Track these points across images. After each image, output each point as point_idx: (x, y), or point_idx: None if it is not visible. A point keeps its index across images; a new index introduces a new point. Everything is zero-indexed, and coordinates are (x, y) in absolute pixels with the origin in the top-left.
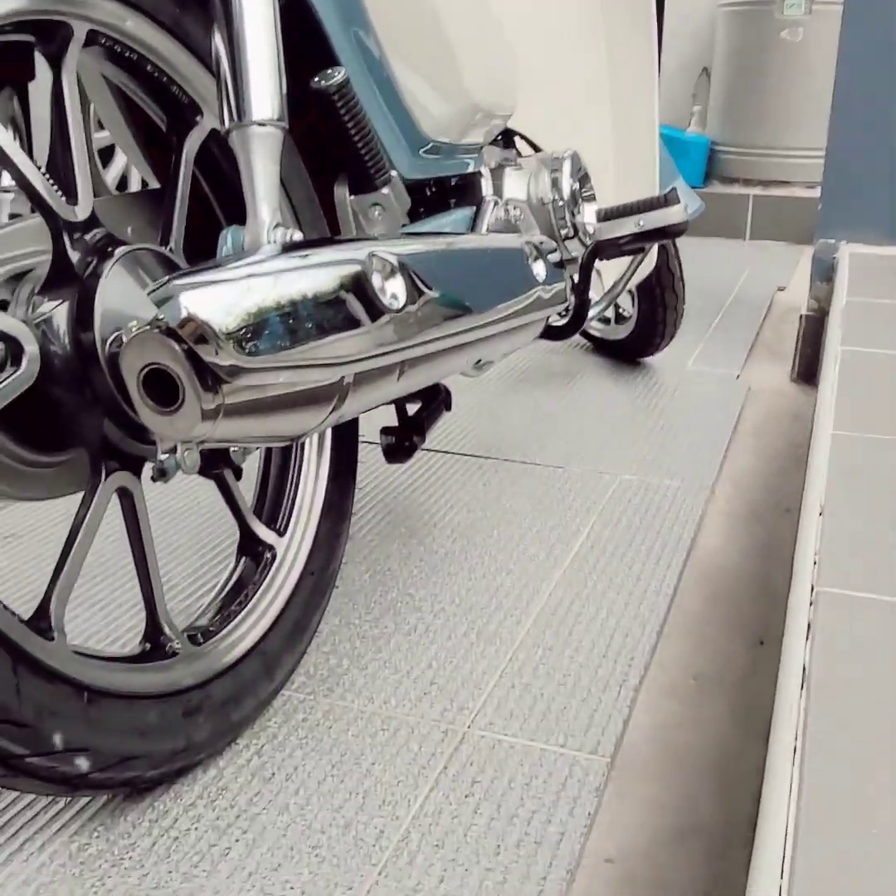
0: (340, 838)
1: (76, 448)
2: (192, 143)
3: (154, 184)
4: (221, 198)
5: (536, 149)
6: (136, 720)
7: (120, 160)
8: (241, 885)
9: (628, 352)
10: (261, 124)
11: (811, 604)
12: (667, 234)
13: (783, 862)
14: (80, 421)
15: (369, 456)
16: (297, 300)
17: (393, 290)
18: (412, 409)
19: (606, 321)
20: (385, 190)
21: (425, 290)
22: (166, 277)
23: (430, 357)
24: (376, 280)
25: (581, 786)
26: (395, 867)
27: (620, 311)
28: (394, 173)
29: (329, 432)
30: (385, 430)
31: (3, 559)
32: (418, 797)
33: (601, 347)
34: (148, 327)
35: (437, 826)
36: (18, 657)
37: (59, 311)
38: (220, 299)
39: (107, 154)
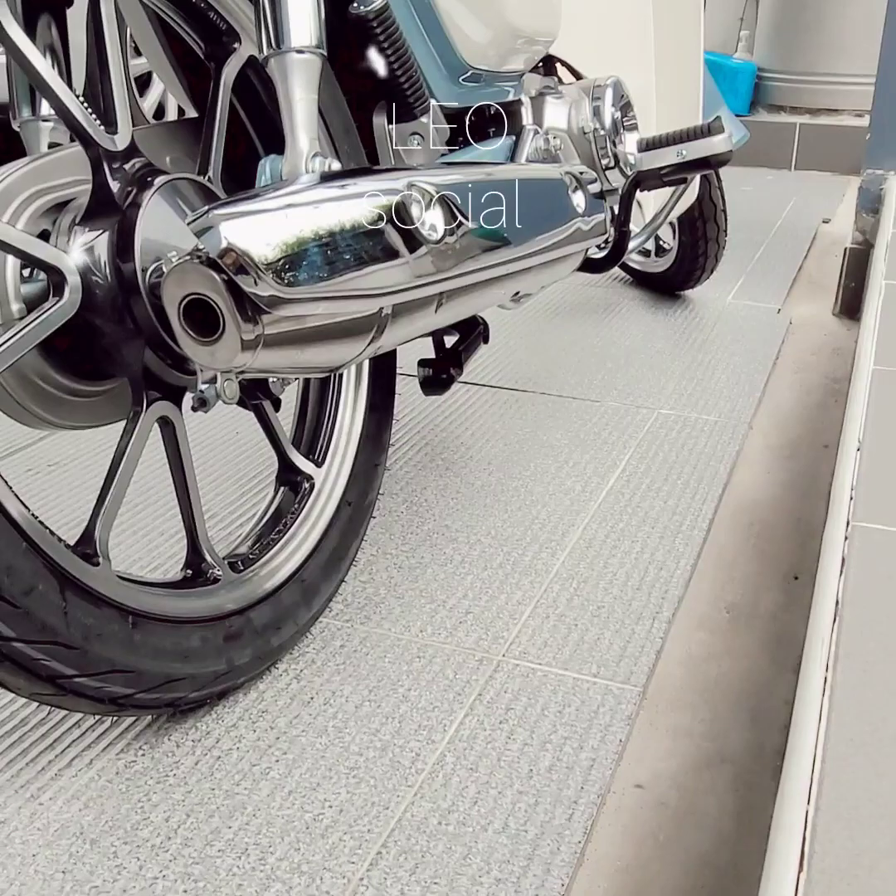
0: (377, 760)
1: (118, 377)
2: (230, 71)
3: (191, 112)
4: (259, 127)
5: (578, 76)
6: (180, 644)
7: (157, 88)
8: (281, 803)
9: (668, 285)
10: (299, 51)
11: (846, 539)
12: (710, 164)
13: (810, 791)
14: (122, 351)
15: (406, 388)
16: (336, 231)
17: (432, 221)
18: (450, 341)
19: (646, 253)
20: (424, 119)
21: (464, 220)
22: (206, 208)
23: (469, 289)
24: (415, 210)
25: (613, 714)
26: (431, 789)
27: (661, 243)
28: (433, 102)
29: (367, 364)
30: (423, 362)
31: (48, 487)
32: (453, 722)
33: (641, 280)
34: (188, 258)
35: (472, 750)
36: (65, 581)
37: (99, 241)
38: (259, 230)
39: (143, 83)
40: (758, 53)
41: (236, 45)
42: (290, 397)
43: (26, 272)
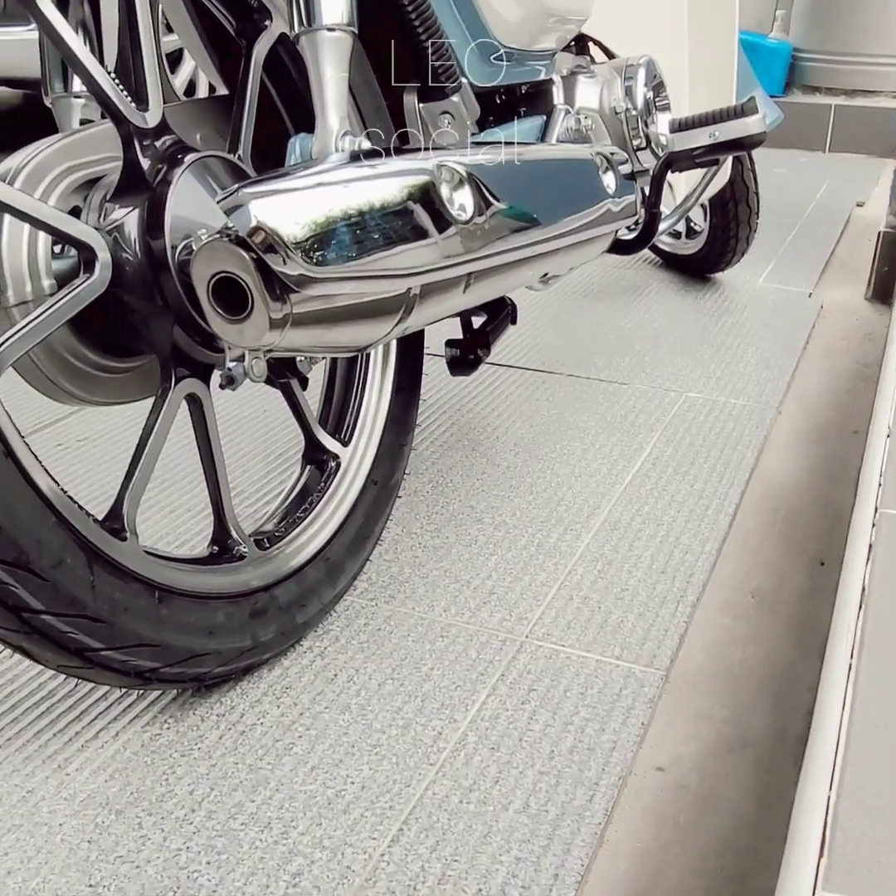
0: (400, 738)
1: (147, 354)
2: (261, 49)
3: (222, 90)
4: (289, 105)
5: (610, 55)
6: (205, 619)
7: (188, 66)
8: (304, 779)
9: (698, 267)
10: (330, 29)
11: (873, 525)
12: (742, 145)
13: (832, 776)
14: (151, 328)
15: (434, 368)
16: (365, 210)
17: (461, 201)
18: (477, 322)
19: (677, 235)
20: (455, 98)
21: (493, 201)
22: (236, 186)
23: (497, 269)
24: (444, 190)
25: (635, 696)
26: (452, 767)
27: (692, 225)
28: (464, 81)
29: (394, 344)
30: (450, 343)
31: (77, 462)
32: (476, 702)
33: (671, 263)
34: (218, 236)
35: (494, 730)
36: (93, 555)
37: (130, 218)
38: (288, 208)
39: (174, 60)
40: (793, 33)
41: (267, 23)
42: (317, 376)
43: (57, 248)
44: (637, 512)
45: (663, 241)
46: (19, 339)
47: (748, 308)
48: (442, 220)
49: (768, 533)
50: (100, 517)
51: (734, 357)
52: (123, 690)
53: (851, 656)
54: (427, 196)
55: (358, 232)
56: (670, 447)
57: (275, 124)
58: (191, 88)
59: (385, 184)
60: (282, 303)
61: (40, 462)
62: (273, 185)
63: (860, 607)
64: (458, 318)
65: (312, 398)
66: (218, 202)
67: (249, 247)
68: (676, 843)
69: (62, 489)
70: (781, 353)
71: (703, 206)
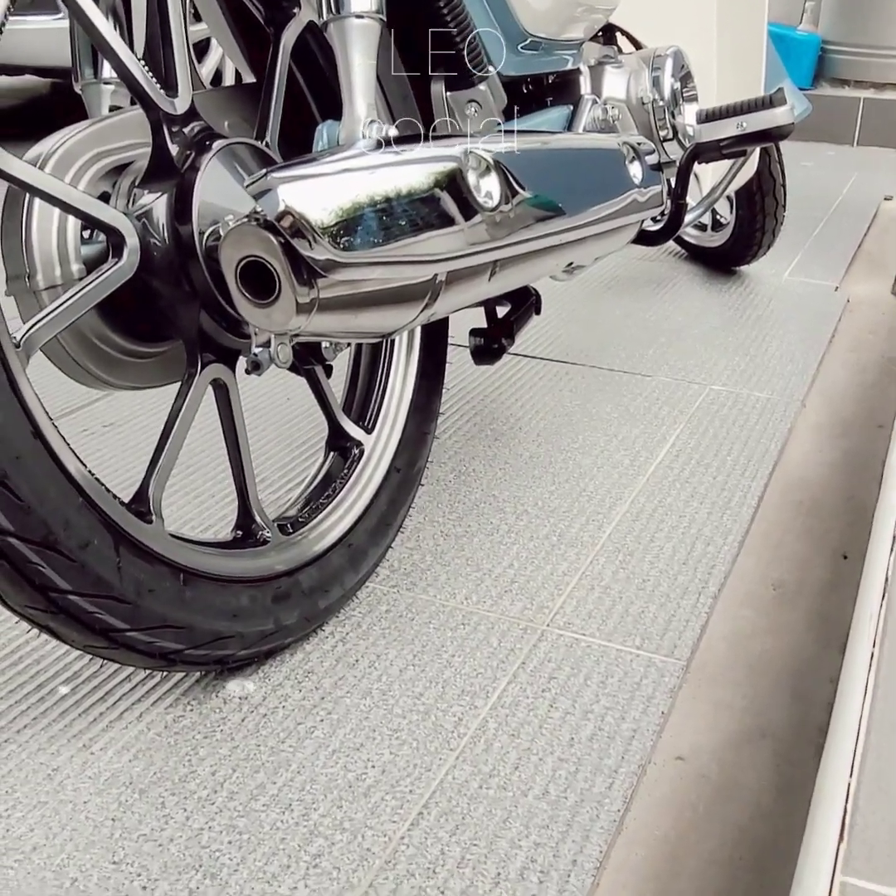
0: (420, 723)
1: (174, 340)
2: (290, 36)
3: (249, 78)
4: (317, 92)
5: (638, 46)
6: (229, 602)
7: (215, 54)
8: (325, 762)
9: (724, 260)
10: (359, 16)
11: None
12: (770, 136)
13: (853, 764)
14: (178, 313)
15: (457, 358)
16: (392, 196)
17: (488, 189)
18: (502, 311)
19: (703, 228)
20: (482, 86)
21: (520, 189)
22: (264, 171)
23: (523, 258)
24: (471, 178)
25: (655, 686)
26: (472, 753)
27: (718, 217)
28: (491, 70)
29: (418, 332)
30: (474, 332)
31: (103, 447)
32: (496, 689)
33: (696, 255)
34: (246, 220)
35: (514, 717)
36: (119, 537)
37: (158, 204)
38: (316, 193)
39: (201, 49)
40: (822, 25)
41: (296, 11)
42: (341, 364)
43: (86, 234)
44: (659, 503)
45: (689, 233)
46: (48, 323)
47: (773, 301)
48: (468, 208)
49: (791, 526)
50: (126, 500)
51: (759, 350)
52: (147, 672)
53: (873, 646)
54: (454, 183)
55: (385, 218)
56: (693, 439)
57: (302, 111)
58: (217, 78)
59: (412, 170)
60: (309, 287)
61: (68, 444)
62: (301, 171)
63: (883, 598)
64: (482, 308)
65: (336, 385)
66: (246, 187)
67: (277, 231)
68: (695, 832)
69: (90, 471)
70: (806, 347)
71: (729, 198)
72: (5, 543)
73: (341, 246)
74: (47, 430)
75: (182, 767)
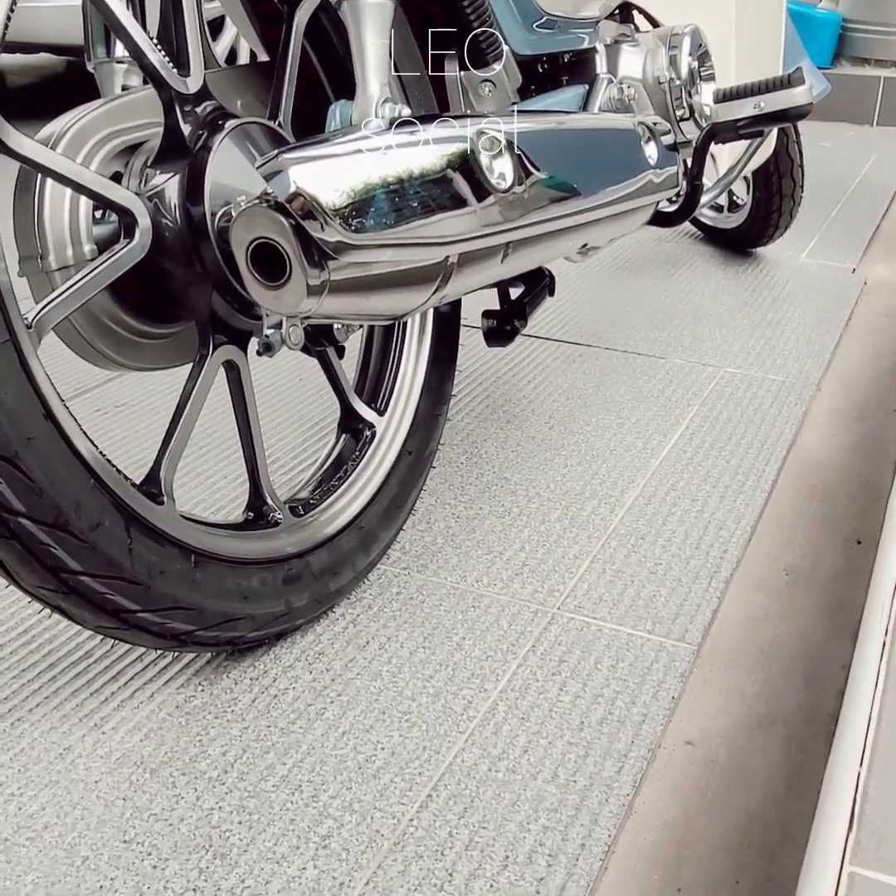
0: (430, 706)
1: (186, 320)
2: (303, 15)
3: (263, 57)
4: (330, 71)
5: (655, 24)
6: (240, 584)
7: (229, 33)
8: (335, 743)
9: (740, 241)
10: None
11: None
12: (788, 116)
13: (863, 753)
14: (190, 294)
15: (470, 340)
16: (404, 177)
17: (500, 170)
18: (515, 293)
19: (719, 209)
20: (496, 66)
21: (533, 170)
22: (275, 151)
23: (536, 239)
24: (484, 158)
25: (666, 670)
26: (482, 736)
27: (734, 198)
28: (506, 49)
29: (431, 314)
30: (487, 314)
31: (115, 428)
32: (506, 672)
33: (712, 236)
34: (257, 201)
35: (524, 700)
36: (131, 519)
37: (170, 184)
38: (327, 175)
39: (216, 27)
40: (843, 4)
41: None
42: (353, 346)
43: (98, 214)
44: (672, 487)
45: (705, 214)
46: (60, 304)
47: (790, 283)
48: (481, 189)
49: (804, 510)
50: (137, 482)
51: (774, 332)
52: (159, 653)
53: (886, 634)
54: (466, 164)
55: (396, 199)
56: (707, 422)
57: (315, 91)
58: (231, 56)
59: (424, 151)
60: (319, 269)
61: (80, 426)
62: (312, 151)
63: None
64: (495, 289)
65: (349, 367)
66: (257, 167)
67: (288, 212)
68: (704, 816)
69: (101, 453)
70: (823, 330)
71: (746, 178)
72: (17, 524)
73: (352, 227)
74: (59, 411)
75: (193, 747)
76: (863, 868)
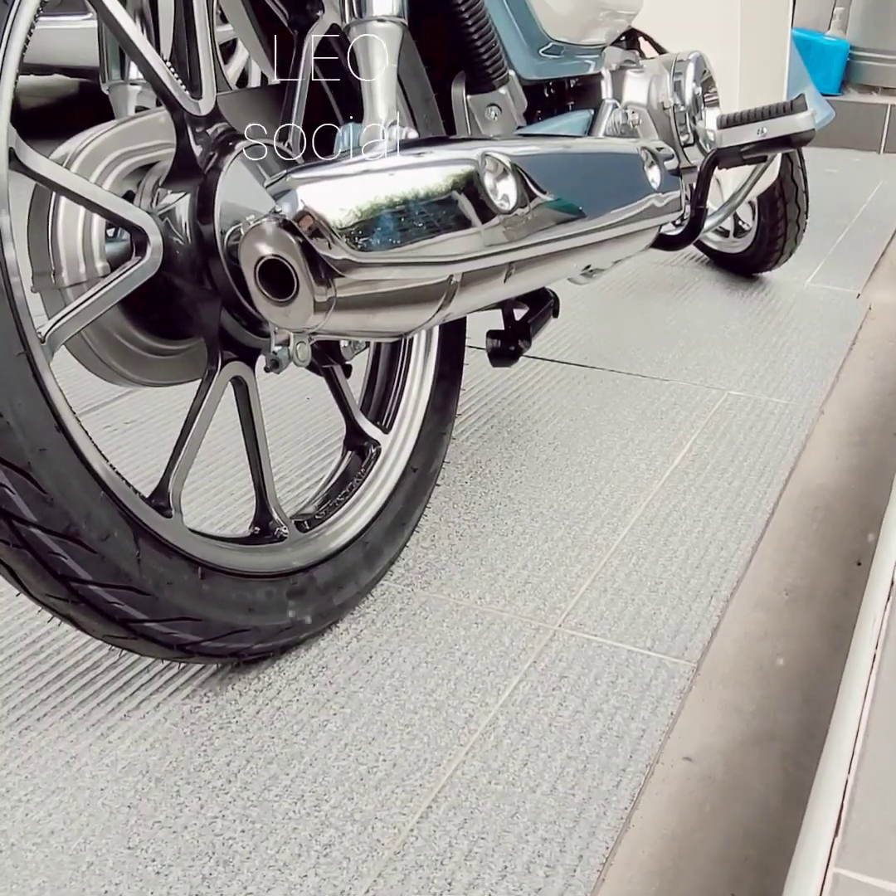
0: (431, 719)
1: (195, 337)
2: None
3: (273, 79)
4: (339, 94)
5: (660, 50)
6: (246, 597)
7: (241, 56)
8: (338, 755)
9: (745, 266)
10: (381, 20)
11: None
12: (791, 142)
13: (851, 763)
14: (199, 311)
15: (474, 360)
16: (410, 198)
17: (504, 191)
18: (519, 314)
19: (724, 233)
20: (503, 90)
21: (537, 192)
22: (284, 171)
23: (539, 260)
24: (488, 180)
25: (665, 687)
26: (482, 749)
27: (740, 223)
28: (512, 73)
29: (436, 333)
30: (492, 334)
31: (124, 443)
32: (507, 687)
33: (717, 261)
34: (265, 219)
35: (524, 714)
36: (140, 530)
37: (181, 204)
38: (335, 194)
39: (227, 50)
40: (851, 31)
41: (320, 13)
42: (359, 365)
43: (110, 232)
44: (674, 508)
45: (710, 239)
46: (73, 319)
47: (794, 308)
48: (484, 210)
49: (805, 532)
50: (146, 495)
51: (778, 356)
52: (165, 663)
53: (876, 647)
54: (471, 185)
55: (402, 219)
56: (710, 444)
57: (324, 114)
58: (243, 79)
59: (430, 172)
60: (326, 286)
61: (91, 438)
62: (320, 172)
63: (888, 600)
64: (500, 310)
65: (355, 385)
66: (267, 187)
67: (296, 231)
68: (701, 831)
69: (111, 466)
70: (826, 354)
71: (751, 204)
72: (28, 533)
73: (359, 246)
74: (70, 423)
75: (197, 757)
76: (847, 870)
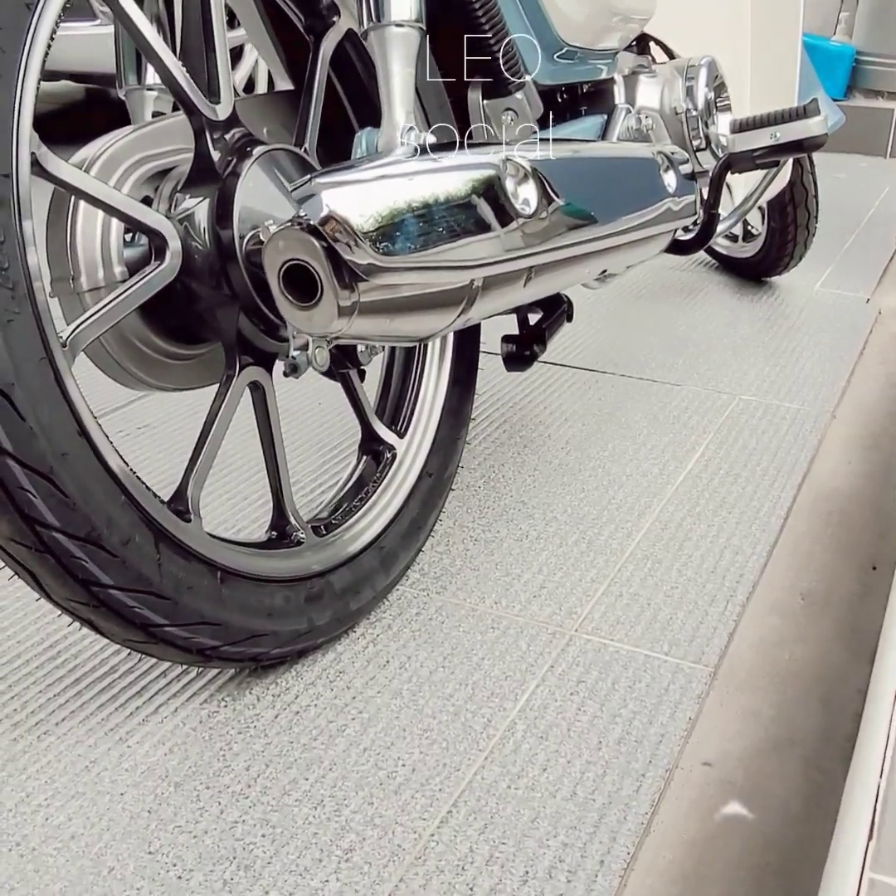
0: (450, 724)
1: (213, 342)
2: (329, 44)
3: (285, 85)
4: (355, 100)
5: (672, 55)
6: (264, 601)
7: (247, 62)
8: (357, 759)
9: (755, 271)
10: (399, 25)
11: None
12: (803, 147)
13: (883, 765)
14: (218, 316)
15: (488, 365)
16: (432, 202)
17: (525, 196)
18: (534, 318)
19: (734, 238)
20: (518, 95)
21: (556, 197)
22: (308, 176)
23: (557, 264)
24: (509, 185)
25: (683, 692)
26: (501, 754)
27: (749, 227)
28: (528, 78)
29: (451, 338)
30: (506, 338)
31: (141, 447)
32: (525, 692)
33: (727, 265)
34: (290, 224)
35: (543, 719)
36: (160, 535)
37: (200, 208)
38: (359, 199)
39: (233, 56)
40: (857, 36)
41: (336, 19)
42: (374, 369)
43: (128, 237)
44: (688, 512)
45: (720, 243)
46: (91, 324)
47: (804, 312)
48: (506, 214)
49: (820, 536)
50: (165, 499)
51: (789, 361)
52: (184, 668)
53: None
54: (492, 190)
55: (425, 223)
56: (723, 449)
57: (340, 119)
58: (249, 85)
59: (452, 177)
60: (350, 291)
61: (111, 443)
62: (344, 176)
63: None
64: (514, 315)
65: (370, 390)
66: (292, 191)
67: (320, 235)
68: (721, 837)
69: (131, 470)
70: (837, 358)
71: (761, 208)
72: (51, 538)
73: (382, 250)
74: (92, 428)
75: (216, 762)
76: (883, 875)
